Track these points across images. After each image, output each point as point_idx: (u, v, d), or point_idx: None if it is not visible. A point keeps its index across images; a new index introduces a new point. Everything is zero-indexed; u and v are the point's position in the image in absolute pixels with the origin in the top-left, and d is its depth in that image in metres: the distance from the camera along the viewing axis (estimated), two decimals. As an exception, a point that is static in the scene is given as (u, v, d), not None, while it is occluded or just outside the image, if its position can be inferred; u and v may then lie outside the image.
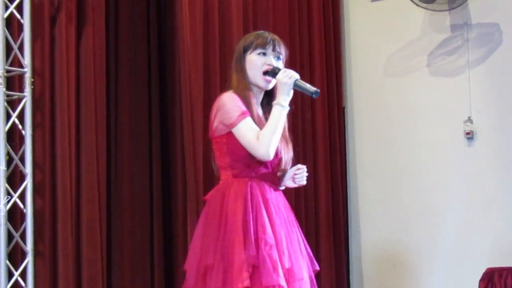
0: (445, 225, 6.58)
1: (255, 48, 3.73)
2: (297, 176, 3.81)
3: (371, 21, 7.03)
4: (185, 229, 5.83)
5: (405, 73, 6.86)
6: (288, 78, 3.66)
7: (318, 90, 3.72)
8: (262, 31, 3.85)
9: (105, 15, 5.66)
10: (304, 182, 3.85)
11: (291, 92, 3.69)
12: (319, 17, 6.93)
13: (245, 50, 3.75)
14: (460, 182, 6.56)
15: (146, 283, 5.90)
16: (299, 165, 3.83)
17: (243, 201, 3.59)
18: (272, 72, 3.71)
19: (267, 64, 3.71)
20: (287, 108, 3.67)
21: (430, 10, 6.52)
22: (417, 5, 6.46)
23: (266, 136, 3.60)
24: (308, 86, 3.71)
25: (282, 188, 3.83)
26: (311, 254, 3.78)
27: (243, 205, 3.58)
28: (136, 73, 6.01)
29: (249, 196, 3.60)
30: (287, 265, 3.55)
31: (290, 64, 4.10)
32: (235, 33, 6.16)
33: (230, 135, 3.64)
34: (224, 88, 3.85)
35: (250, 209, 3.57)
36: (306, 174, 3.84)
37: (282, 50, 3.78)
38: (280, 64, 3.75)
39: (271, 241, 3.53)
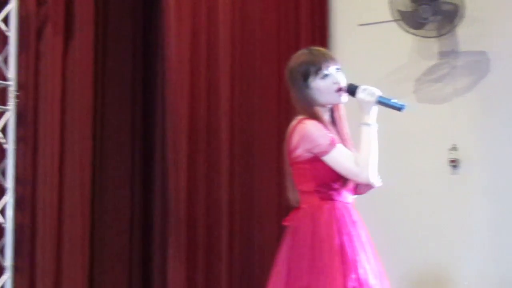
0: (428, 254, 6.52)
1: (316, 74, 3.59)
2: None
3: (358, 46, 6.97)
4: (164, 247, 5.77)
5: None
6: (370, 96, 3.62)
7: (405, 104, 3.62)
8: (308, 50, 3.68)
9: (93, 28, 5.60)
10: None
11: (375, 108, 3.65)
12: (306, 41, 6.89)
13: (305, 79, 3.60)
14: (445, 210, 6.50)
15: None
16: None
17: (336, 224, 3.55)
18: (350, 91, 3.59)
19: (334, 83, 3.60)
20: (376, 125, 3.66)
21: (419, 36, 6.50)
22: (406, 31, 6.44)
23: (364, 161, 3.60)
24: (392, 101, 3.65)
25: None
26: (382, 271, 3.74)
27: (337, 228, 3.54)
28: (123, 87, 5.96)
29: (341, 219, 3.57)
30: None
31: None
32: (221, 55, 6.14)
33: (313, 161, 3.56)
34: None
35: (344, 232, 3.55)
36: None
37: (337, 61, 3.66)
38: (341, 74, 3.64)
39: (366, 265, 3.52)
